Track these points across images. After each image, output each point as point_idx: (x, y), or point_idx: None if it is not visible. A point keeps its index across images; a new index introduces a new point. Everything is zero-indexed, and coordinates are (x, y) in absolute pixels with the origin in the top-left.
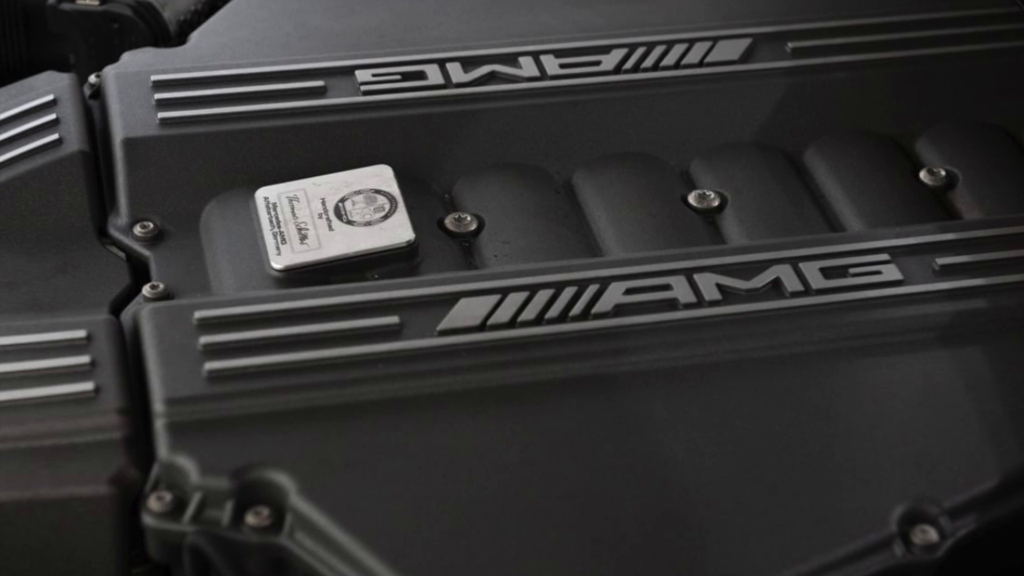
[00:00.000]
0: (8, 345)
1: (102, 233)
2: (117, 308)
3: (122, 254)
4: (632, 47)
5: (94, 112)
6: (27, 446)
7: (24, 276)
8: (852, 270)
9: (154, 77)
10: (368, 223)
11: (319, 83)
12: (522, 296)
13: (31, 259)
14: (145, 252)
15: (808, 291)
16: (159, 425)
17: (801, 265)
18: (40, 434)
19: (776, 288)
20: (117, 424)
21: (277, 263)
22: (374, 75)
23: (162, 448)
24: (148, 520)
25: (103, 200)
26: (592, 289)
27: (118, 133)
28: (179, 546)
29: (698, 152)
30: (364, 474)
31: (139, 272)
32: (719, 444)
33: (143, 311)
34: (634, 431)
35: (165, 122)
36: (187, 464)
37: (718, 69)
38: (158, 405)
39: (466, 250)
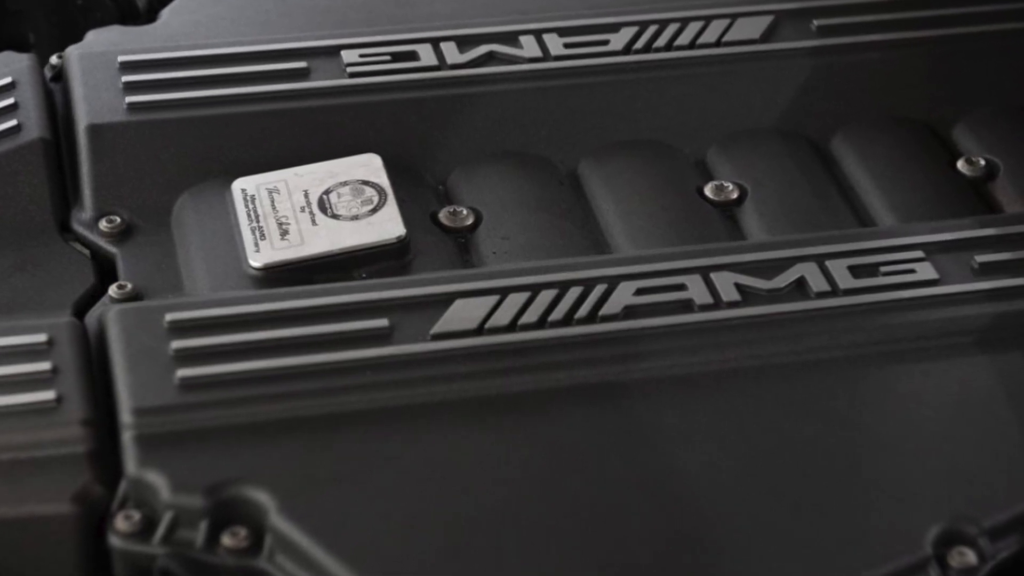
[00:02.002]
0: None
1: (64, 228)
2: (81, 310)
3: (86, 251)
4: (643, 25)
5: (56, 96)
6: None
7: None
8: (883, 268)
9: (121, 58)
10: (355, 217)
11: (302, 64)
12: (523, 297)
13: None
14: (112, 249)
15: (835, 291)
16: (127, 437)
17: (827, 263)
18: (1, 448)
19: (800, 288)
20: (81, 436)
21: (256, 261)
22: (361, 56)
23: (130, 463)
24: (115, 541)
25: (66, 192)
26: (599, 289)
27: (82, 119)
28: (149, 569)
29: (715, 139)
30: (351, 490)
31: (105, 270)
32: (737, 457)
33: (109, 313)
34: (645, 443)
35: (133, 107)
36: (157, 480)
37: (737, 49)
38: (126, 416)
39: (462, 247)
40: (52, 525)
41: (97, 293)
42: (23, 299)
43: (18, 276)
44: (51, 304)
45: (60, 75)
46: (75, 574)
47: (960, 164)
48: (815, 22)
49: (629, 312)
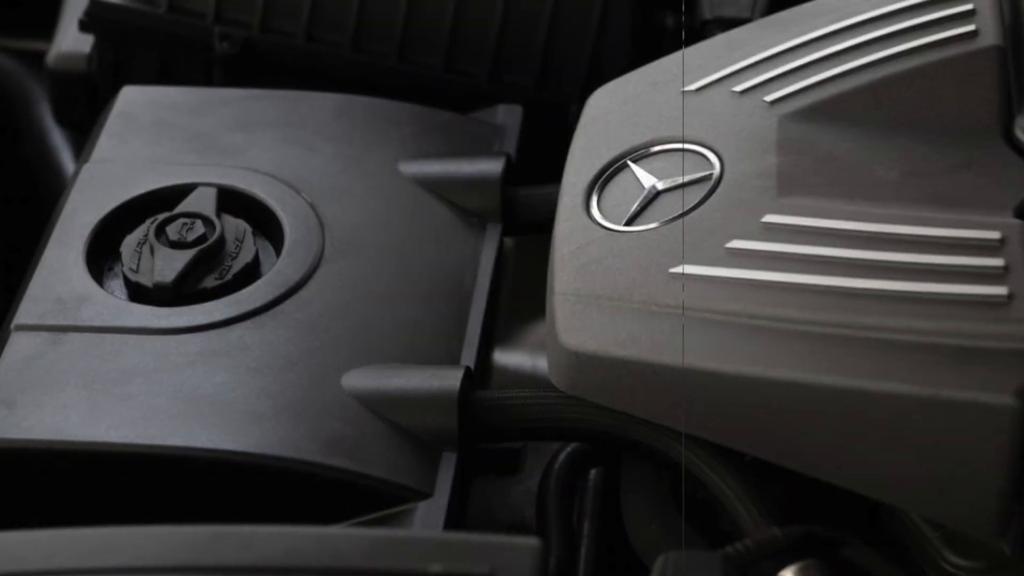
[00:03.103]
0: (915, 236)
1: (1007, 134)
2: (1023, 213)
3: None
4: None
5: (1004, 7)
6: (932, 342)
7: (927, 168)
8: None
9: None
10: None
11: None
12: None
13: (934, 151)
14: None
15: None
16: None
17: None
18: (946, 332)
19: None
20: None
21: None
22: None
23: None
24: None
25: (1011, 100)
26: None
27: None
28: None
29: None
30: None
31: None
32: None
33: None
34: None
35: None
36: None
37: None
38: None
39: None
40: (990, 414)
41: None
42: (967, 196)
43: (963, 173)
44: (992, 204)
45: None
46: (1002, 465)
47: None
48: None
49: None
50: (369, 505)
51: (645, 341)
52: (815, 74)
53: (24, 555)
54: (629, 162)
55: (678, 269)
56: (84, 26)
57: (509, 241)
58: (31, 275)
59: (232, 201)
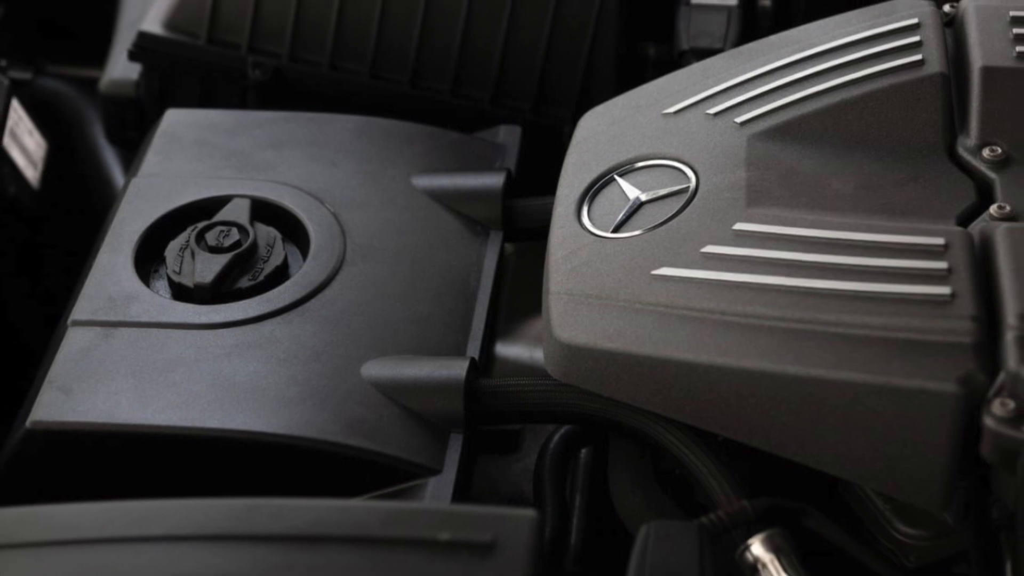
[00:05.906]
0: (868, 242)
1: (950, 152)
2: (964, 222)
3: (966, 174)
4: None
5: (947, 38)
6: (883, 336)
7: (879, 181)
8: None
9: (1013, 13)
10: None
11: None
12: None
13: (885, 166)
14: (991, 174)
15: None
16: (1009, 337)
17: None
18: (896, 327)
19: None
20: (969, 330)
21: None
22: None
23: (1011, 359)
24: (990, 423)
25: (953, 122)
26: None
27: (976, 61)
28: (1015, 452)
29: None
30: None
31: (982, 192)
32: None
33: (997, 229)
34: None
35: (1022, 56)
36: None
37: None
38: (1011, 319)
39: None
40: (936, 400)
41: (978, 210)
42: (913, 206)
43: (911, 186)
44: (937, 214)
45: (952, 21)
46: (945, 445)
47: None
48: None
49: None
50: (385, 480)
51: (630, 335)
52: (780, 98)
53: (80, 524)
54: (616, 176)
55: (659, 271)
56: (133, 56)
57: (509, 246)
58: (85, 276)
59: (264, 211)
